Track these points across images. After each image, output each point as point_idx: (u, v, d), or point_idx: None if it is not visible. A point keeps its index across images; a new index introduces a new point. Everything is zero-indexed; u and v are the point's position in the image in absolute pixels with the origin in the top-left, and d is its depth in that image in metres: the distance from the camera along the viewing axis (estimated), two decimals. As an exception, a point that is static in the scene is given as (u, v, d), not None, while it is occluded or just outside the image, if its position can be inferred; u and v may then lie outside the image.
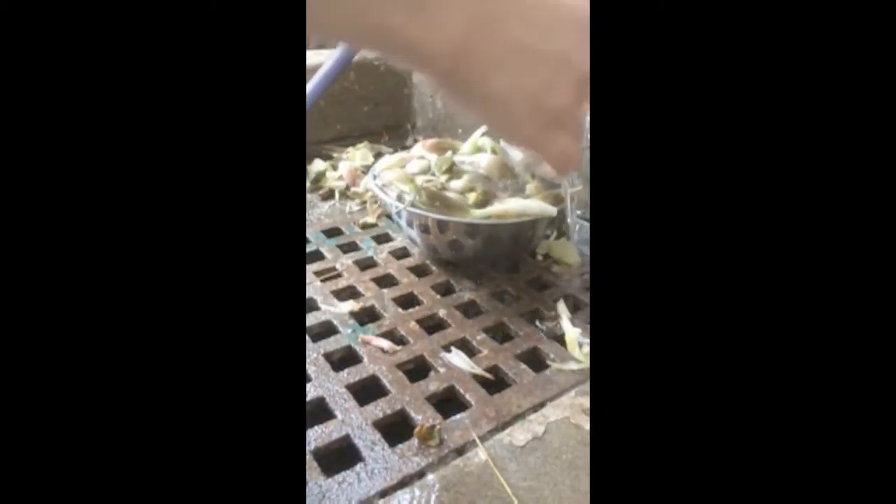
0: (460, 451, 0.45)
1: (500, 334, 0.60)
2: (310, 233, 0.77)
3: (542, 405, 0.49)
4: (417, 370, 0.54)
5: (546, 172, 0.32)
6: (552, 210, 0.62)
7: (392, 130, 1.12)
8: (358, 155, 0.99)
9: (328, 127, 1.05)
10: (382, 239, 0.77)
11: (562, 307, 0.62)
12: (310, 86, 0.67)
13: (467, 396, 0.50)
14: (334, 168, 0.95)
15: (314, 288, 0.64)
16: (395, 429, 0.47)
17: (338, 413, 0.48)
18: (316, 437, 0.45)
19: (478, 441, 0.45)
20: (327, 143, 1.03)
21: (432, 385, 0.51)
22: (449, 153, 0.71)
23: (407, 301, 0.64)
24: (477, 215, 0.61)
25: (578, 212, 0.81)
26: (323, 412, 0.48)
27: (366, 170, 0.86)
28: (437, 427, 0.46)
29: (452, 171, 0.68)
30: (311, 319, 0.59)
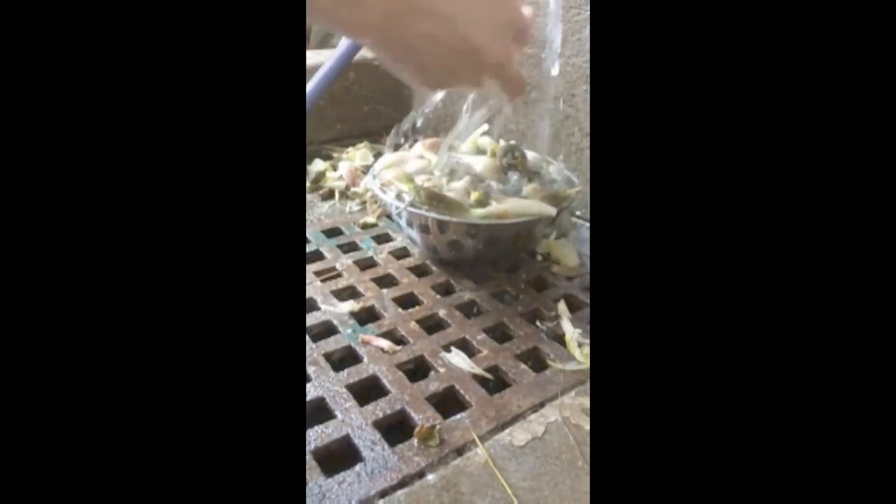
0: (460, 451, 0.45)
1: (500, 334, 0.60)
2: (310, 233, 0.77)
3: (541, 405, 0.49)
4: (417, 370, 0.54)
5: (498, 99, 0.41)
6: (552, 210, 0.62)
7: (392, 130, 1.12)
8: (358, 155, 0.99)
9: (328, 127, 1.05)
10: (382, 239, 0.77)
11: (562, 307, 0.62)
12: (310, 86, 0.67)
13: (467, 396, 0.50)
14: (334, 168, 0.95)
15: (314, 288, 0.64)
16: (395, 429, 0.47)
17: (338, 413, 0.48)
18: (316, 437, 0.45)
19: (478, 441, 0.45)
20: (327, 143, 1.03)
21: (432, 385, 0.51)
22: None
23: (407, 301, 0.64)
24: (477, 215, 0.61)
25: (578, 212, 0.82)
26: (323, 412, 0.48)
27: (366, 170, 0.86)
28: (437, 427, 0.46)
29: (453, 171, 0.68)
30: (311, 319, 0.59)
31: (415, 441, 0.45)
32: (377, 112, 1.11)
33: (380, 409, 0.48)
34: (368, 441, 0.45)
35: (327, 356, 0.54)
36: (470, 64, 0.36)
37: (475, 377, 0.52)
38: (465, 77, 0.37)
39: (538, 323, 0.61)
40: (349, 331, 0.58)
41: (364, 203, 0.86)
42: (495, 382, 0.53)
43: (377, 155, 0.97)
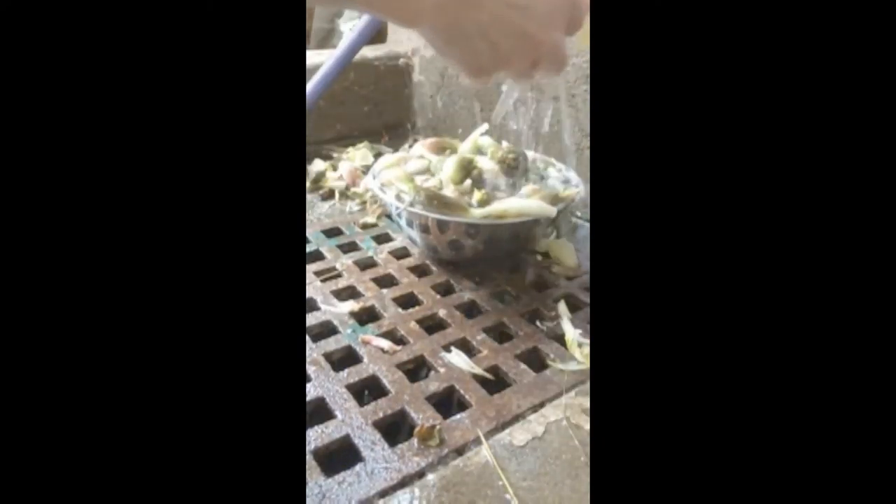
0: (460, 451, 0.45)
1: (499, 334, 0.60)
2: (310, 233, 0.77)
3: (542, 405, 0.49)
4: (417, 370, 0.54)
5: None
6: (552, 210, 0.62)
7: (392, 130, 1.12)
8: (358, 155, 0.99)
9: (328, 127, 1.05)
10: (382, 239, 0.77)
11: (562, 307, 0.62)
12: (310, 85, 0.67)
13: (467, 396, 0.50)
14: (334, 168, 0.95)
15: (314, 288, 0.64)
16: (395, 429, 0.47)
17: (338, 413, 0.48)
18: (316, 437, 0.45)
19: (482, 438, 0.45)
20: (327, 143, 1.03)
21: (432, 385, 0.51)
22: (451, 155, 0.71)
23: (407, 301, 0.64)
24: (477, 215, 0.61)
25: (578, 212, 0.82)
26: (323, 412, 0.48)
27: (366, 170, 0.86)
28: (437, 427, 0.46)
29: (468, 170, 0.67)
30: (311, 319, 0.59)
31: (415, 441, 0.45)
32: (377, 112, 1.11)
33: (380, 409, 0.48)
34: (368, 441, 0.45)
35: (327, 356, 0.54)
36: (523, 52, 0.35)
37: (475, 377, 0.52)
38: (516, 65, 0.36)
39: (538, 323, 0.61)
40: (349, 331, 0.58)
41: (364, 203, 0.86)
42: (495, 382, 0.53)
43: (377, 155, 0.97)
